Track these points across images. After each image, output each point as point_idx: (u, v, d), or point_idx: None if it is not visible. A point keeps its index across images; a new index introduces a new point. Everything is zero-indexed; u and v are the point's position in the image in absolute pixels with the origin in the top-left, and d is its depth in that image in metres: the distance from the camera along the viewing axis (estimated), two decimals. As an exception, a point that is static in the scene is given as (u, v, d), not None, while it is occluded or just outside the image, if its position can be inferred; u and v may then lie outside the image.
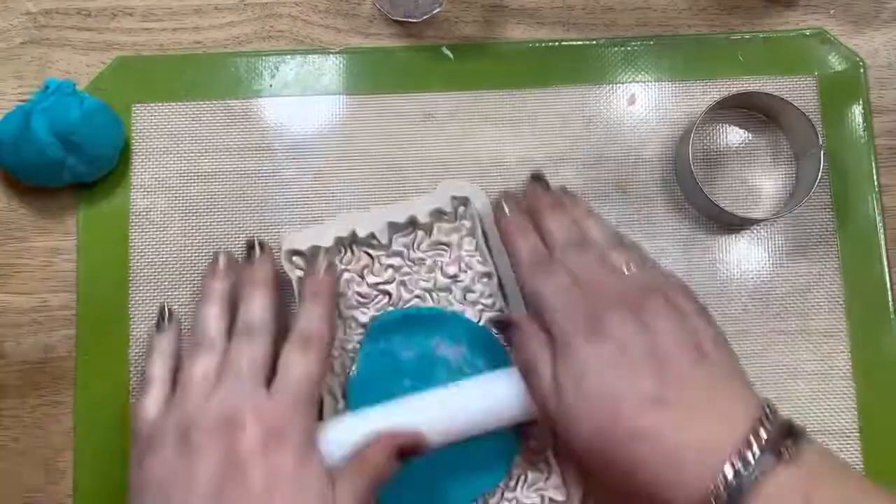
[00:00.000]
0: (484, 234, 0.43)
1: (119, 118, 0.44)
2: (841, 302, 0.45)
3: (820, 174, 0.42)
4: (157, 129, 0.45)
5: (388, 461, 0.34)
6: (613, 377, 0.32)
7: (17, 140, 0.41)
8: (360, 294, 0.42)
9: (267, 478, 0.31)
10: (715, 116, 0.46)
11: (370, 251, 0.43)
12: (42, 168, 0.42)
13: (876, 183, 0.46)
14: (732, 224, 0.45)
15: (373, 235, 0.42)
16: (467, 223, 0.43)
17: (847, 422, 0.43)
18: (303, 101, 0.46)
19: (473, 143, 0.46)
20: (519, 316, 0.38)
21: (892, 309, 0.45)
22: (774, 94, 0.44)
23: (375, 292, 0.42)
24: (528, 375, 0.35)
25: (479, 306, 0.43)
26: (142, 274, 0.44)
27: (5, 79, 0.46)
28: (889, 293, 0.45)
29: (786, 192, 0.46)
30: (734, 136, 0.47)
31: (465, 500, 0.40)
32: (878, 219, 0.45)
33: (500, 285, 0.43)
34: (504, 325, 0.39)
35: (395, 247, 0.43)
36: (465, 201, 0.43)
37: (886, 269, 0.45)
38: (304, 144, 0.45)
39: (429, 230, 0.43)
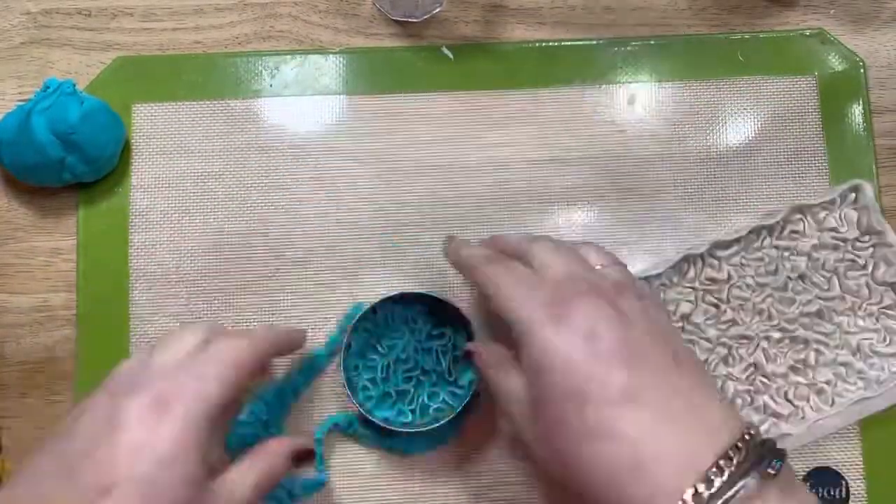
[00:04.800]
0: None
1: (119, 118, 0.44)
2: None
3: None
4: (157, 129, 0.45)
5: (286, 460, 0.34)
6: (580, 365, 0.28)
7: (17, 140, 0.41)
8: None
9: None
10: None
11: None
12: (42, 168, 0.42)
13: (876, 183, 0.46)
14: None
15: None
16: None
17: (847, 422, 0.43)
18: (303, 101, 0.46)
19: (473, 144, 0.46)
20: (477, 343, 0.37)
21: (892, 309, 0.45)
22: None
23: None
24: (496, 398, 0.33)
25: None
26: (142, 274, 0.44)
27: (5, 79, 0.46)
28: (889, 293, 0.45)
29: None
30: None
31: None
32: (878, 219, 0.45)
33: None
34: (468, 355, 0.38)
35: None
36: (856, 188, 0.44)
37: (886, 269, 0.45)
38: (304, 144, 0.45)
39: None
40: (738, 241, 0.44)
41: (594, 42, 0.47)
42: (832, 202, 0.44)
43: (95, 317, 0.43)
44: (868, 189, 0.44)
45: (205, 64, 0.46)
